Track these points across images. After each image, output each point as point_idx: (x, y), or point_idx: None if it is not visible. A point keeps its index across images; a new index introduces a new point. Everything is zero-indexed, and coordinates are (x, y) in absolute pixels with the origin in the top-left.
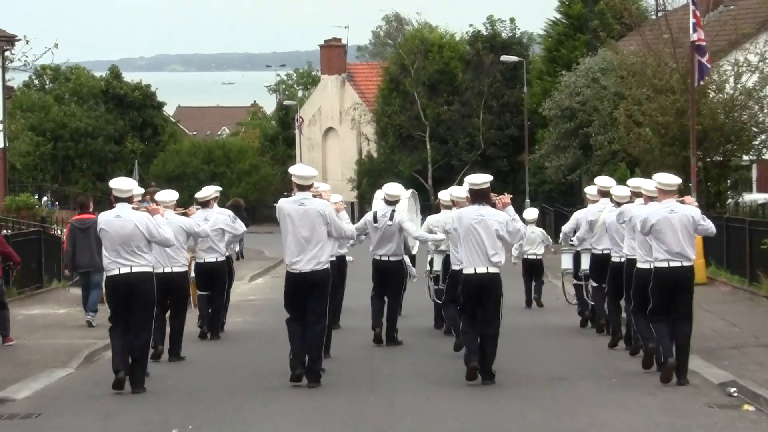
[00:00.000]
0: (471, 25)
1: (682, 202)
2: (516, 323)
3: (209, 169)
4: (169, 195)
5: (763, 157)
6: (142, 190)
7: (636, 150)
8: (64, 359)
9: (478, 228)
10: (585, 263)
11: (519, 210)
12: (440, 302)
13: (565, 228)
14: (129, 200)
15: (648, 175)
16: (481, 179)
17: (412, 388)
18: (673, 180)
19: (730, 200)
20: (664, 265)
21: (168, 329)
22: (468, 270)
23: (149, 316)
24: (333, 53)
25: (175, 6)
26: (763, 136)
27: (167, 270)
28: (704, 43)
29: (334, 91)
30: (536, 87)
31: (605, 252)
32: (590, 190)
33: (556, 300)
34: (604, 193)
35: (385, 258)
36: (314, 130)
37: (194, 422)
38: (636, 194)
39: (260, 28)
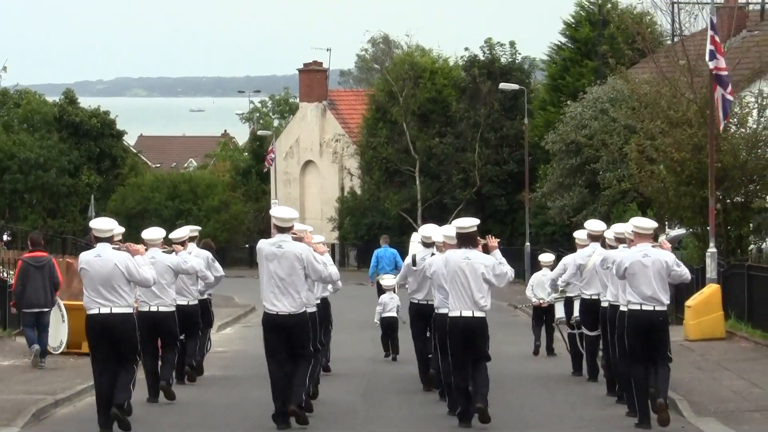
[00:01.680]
0: (467, 49)
1: (660, 247)
2: (517, 373)
3: (174, 206)
4: (156, 233)
5: None
6: (122, 230)
7: (648, 189)
8: (8, 417)
9: (465, 271)
10: (577, 310)
11: (519, 254)
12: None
13: (553, 274)
14: (110, 240)
15: (661, 217)
16: (469, 223)
17: None
18: (648, 224)
19: (752, 246)
20: (637, 308)
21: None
22: (454, 313)
23: (130, 357)
24: (313, 78)
25: (138, 24)
26: None
27: (153, 309)
28: (725, 73)
29: (314, 120)
30: (538, 118)
31: (593, 297)
32: (580, 235)
33: (560, 352)
34: (594, 237)
35: (423, 302)
36: (292, 164)
37: None
38: (620, 240)
39: (232, 49)
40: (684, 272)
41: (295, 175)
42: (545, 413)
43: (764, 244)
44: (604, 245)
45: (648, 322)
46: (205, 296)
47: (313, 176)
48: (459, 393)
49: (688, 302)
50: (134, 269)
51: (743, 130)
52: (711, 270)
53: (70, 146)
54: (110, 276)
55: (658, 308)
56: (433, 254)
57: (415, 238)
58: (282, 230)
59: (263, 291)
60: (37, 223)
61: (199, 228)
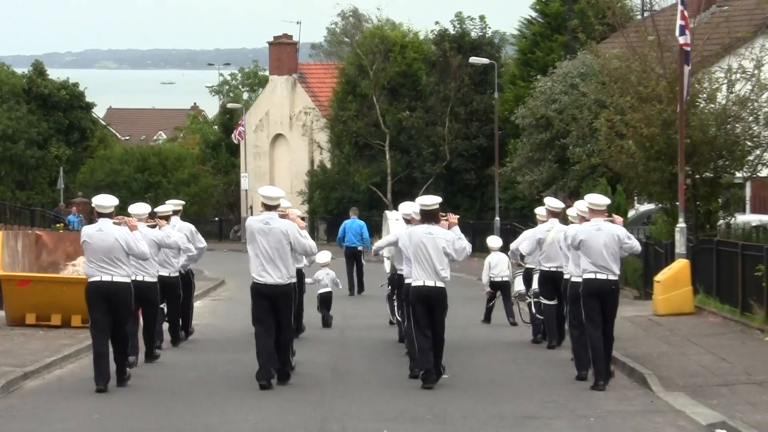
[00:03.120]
0: (437, 23)
1: (612, 221)
2: (485, 344)
3: (143, 178)
4: (142, 208)
5: (758, 174)
6: (116, 201)
7: (618, 164)
8: None
9: (427, 245)
10: (535, 282)
11: (488, 228)
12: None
13: (513, 245)
14: (110, 216)
15: (630, 192)
16: (432, 200)
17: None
18: (601, 200)
19: (721, 221)
20: (591, 276)
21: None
22: (417, 283)
23: (126, 320)
24: (283, 51)
25: None
26: (758, 151)
27: (138, 278)
28: (688, 49)
29: (284, 93)
30: (508, 93)
31: (552, 269)
32: (540, 211)
33: (519, 322)
34: (554, 214)
35: None
36: (261, 137)
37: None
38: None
39: (202, 22)
40: (634, 244)
41: (265, 149)
42: (514, 380)
43: (733, 219)
44: (564, 221)
45: (601, 288)
46: (189, 265)
47: (283, 149)
48: (422, 354)
49: (657, 277)
50: (133, 243)
51: (712, 106)
52: (680, 245)
53: (39, 118)
54: (111, 249)
55: (611, 277)
56: None
57: (392, 216)
58: (269, 208)
59: (252, 264)
60: (5, 195)
61: (183, 203)
